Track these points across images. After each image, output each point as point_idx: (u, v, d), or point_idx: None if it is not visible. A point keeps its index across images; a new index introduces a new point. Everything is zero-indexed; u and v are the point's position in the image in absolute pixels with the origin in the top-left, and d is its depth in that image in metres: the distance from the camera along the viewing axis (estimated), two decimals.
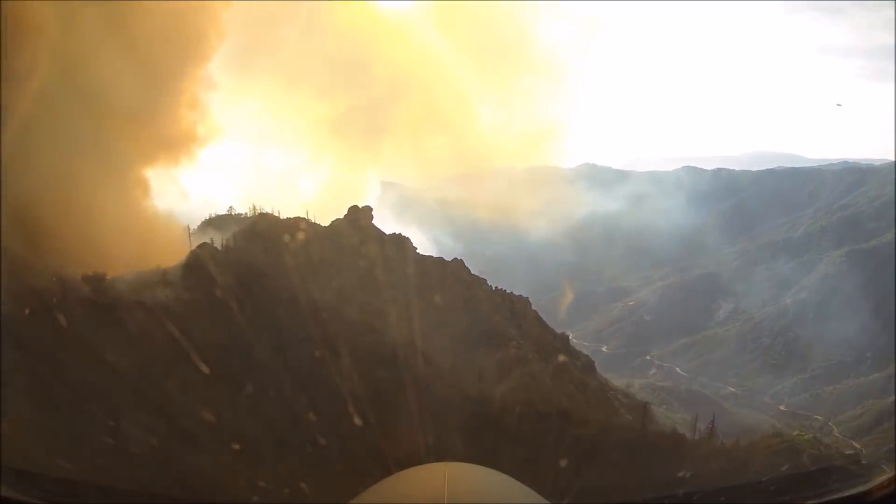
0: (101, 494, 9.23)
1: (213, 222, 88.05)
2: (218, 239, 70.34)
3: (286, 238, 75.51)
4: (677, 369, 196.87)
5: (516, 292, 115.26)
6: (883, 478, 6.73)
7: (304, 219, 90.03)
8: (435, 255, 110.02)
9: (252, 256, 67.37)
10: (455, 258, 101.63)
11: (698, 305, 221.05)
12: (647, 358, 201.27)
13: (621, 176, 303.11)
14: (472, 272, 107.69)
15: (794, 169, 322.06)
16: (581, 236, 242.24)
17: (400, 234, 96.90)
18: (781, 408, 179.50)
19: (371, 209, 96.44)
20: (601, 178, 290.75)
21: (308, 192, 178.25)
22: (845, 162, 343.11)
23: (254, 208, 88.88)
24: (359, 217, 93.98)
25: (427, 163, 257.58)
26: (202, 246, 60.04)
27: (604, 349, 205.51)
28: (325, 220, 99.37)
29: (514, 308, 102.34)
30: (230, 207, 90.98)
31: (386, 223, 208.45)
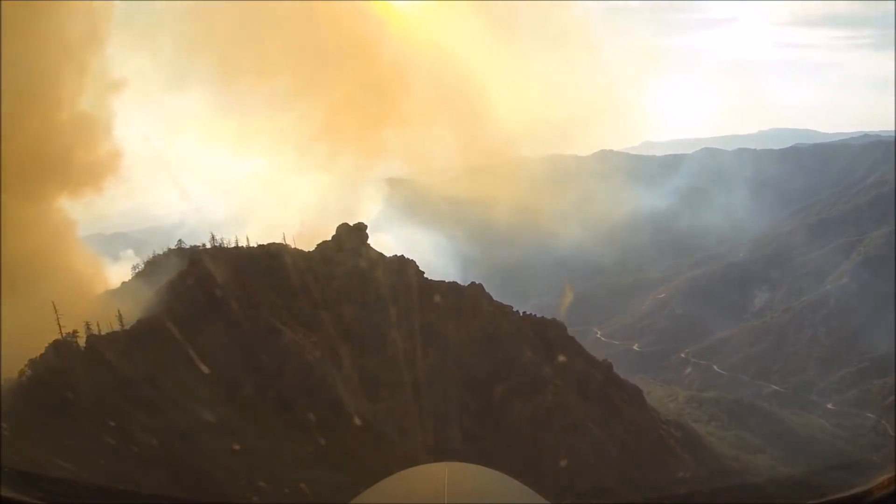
0: (101, 494, 8.86)
1: (150, 268, 64.65)
2: (155, 284, 48.11)
3: (239, 281, 52.68)
4: (715, 367, 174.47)
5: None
6: (883, 478, 6.32)
7: (278, 247, 66.47)
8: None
9: (165, 337, 43.88)
10: (472, 283, 77.39)
11: (731, 296, 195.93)
12: (682, 356, 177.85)
13: (640, 161, 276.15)
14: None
15: (816, 145, 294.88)
16: (603, 228, 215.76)
17: (402, 257, 73.13)
18: (829, 406, 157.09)
19: (365, 227, 72.66)
20: (620, 164, 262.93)
21: (299, 201, 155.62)
22: (866, 135, 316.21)
23: (212, 238, 65.57)
24: (351, 237, 70.45)
25: (436, 155, 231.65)
26: (53, 352, 35.56)
27: (635, 347, 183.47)
28: (318, 236, 76.42)
29: (546, 336, 78.56)
30: (179, 241, 67.49)
31: (394, 226, 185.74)
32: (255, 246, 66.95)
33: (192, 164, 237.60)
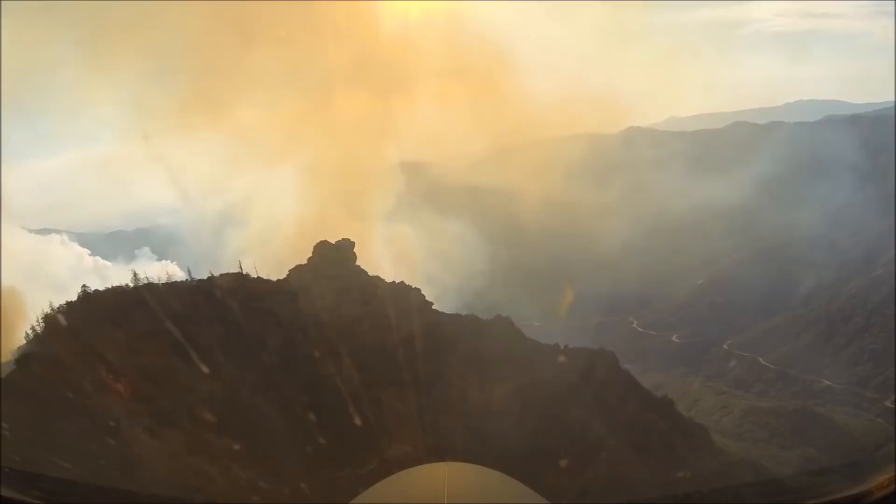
0: (101, 494, 8.44)
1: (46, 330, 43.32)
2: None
3: (117, 366, 31.57)
4: (761, 360, 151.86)
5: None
6: (883, 478, 6.25)
7: (231, 280, 45.37)
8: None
9: None
10: (497, 316, 55.76)
11: (774, 282, 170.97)
12: (725, 347, 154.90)
13: (671, 138, 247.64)
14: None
15: (852, 116, 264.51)
16: (637, 210, 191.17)
17: (404, 284, 51.74)
18: (888, 404, 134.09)
19: (352, 245, 51.10)
20: (650, 142, 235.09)
21: (300, 191, 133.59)
22: None
23: (134, 277, 44.87)
24: (333, 260, 49.37)
25: (455, 135, 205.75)
26: None
27: (675, 339, 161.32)
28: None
29: (595, 375, 57.02)
30: (83, 287, 45.88)
31: (411, 217, 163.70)
32: (200, 280, 46.49)
33: (186, 156, 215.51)
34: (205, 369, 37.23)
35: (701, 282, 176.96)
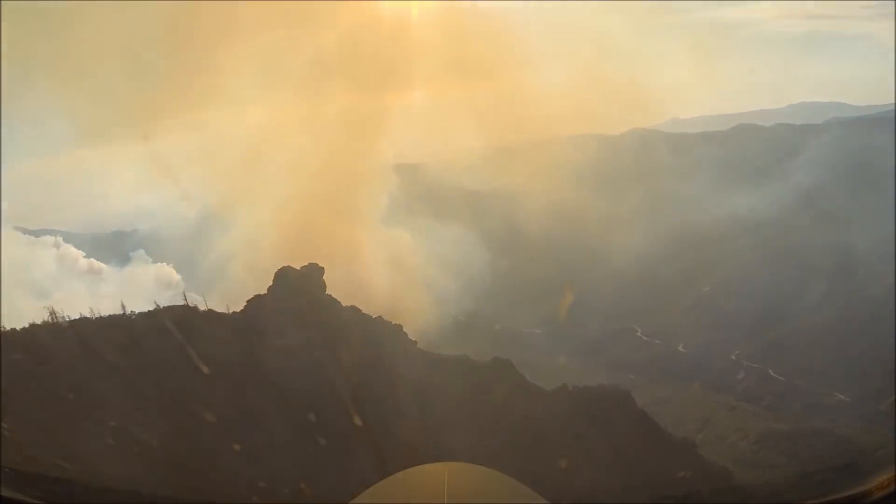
0: (101, 494, 8.29)
1: None
2: None
3: None
4: (770, 372, 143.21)
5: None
6: (883, 478, 6.09)
7: (179, 314, 36.43)
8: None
9: None
10: (495, 358, 46.68)
11: (782, 288, 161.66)
12: (733, 358, 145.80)
13: (677, 141, 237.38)
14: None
15: (858, 119, 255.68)
16: (641, 214, 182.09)
17: (382, 320, 42.77)
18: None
19: (322, 271, 42.12)
20: (656, 145, 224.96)
21: (284, 193, 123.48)
22: None
23: (52, 313, 35.84)
24: (299, 288, 40.40)
25: (450, 134, 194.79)
26: None
27: (680, 349, 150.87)
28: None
29: (610, 419, 47.98)
30: None
31: (401, 223, 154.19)
32: (140, 314, 37.73)
33: (174, 157, 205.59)
34: (131, 433, 28.61)
35: (707, 289, 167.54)
